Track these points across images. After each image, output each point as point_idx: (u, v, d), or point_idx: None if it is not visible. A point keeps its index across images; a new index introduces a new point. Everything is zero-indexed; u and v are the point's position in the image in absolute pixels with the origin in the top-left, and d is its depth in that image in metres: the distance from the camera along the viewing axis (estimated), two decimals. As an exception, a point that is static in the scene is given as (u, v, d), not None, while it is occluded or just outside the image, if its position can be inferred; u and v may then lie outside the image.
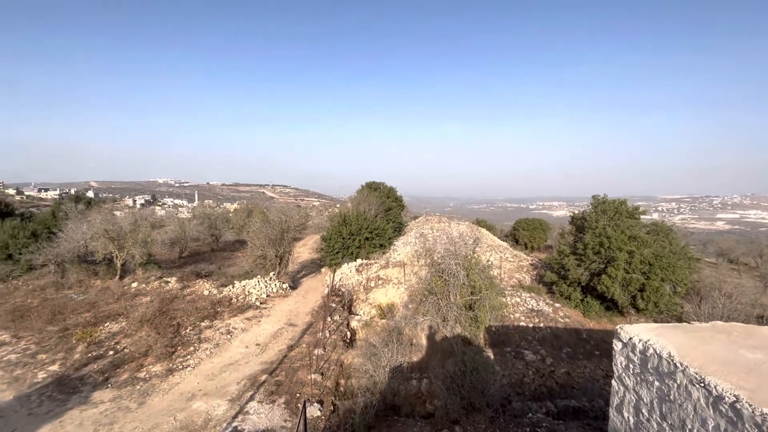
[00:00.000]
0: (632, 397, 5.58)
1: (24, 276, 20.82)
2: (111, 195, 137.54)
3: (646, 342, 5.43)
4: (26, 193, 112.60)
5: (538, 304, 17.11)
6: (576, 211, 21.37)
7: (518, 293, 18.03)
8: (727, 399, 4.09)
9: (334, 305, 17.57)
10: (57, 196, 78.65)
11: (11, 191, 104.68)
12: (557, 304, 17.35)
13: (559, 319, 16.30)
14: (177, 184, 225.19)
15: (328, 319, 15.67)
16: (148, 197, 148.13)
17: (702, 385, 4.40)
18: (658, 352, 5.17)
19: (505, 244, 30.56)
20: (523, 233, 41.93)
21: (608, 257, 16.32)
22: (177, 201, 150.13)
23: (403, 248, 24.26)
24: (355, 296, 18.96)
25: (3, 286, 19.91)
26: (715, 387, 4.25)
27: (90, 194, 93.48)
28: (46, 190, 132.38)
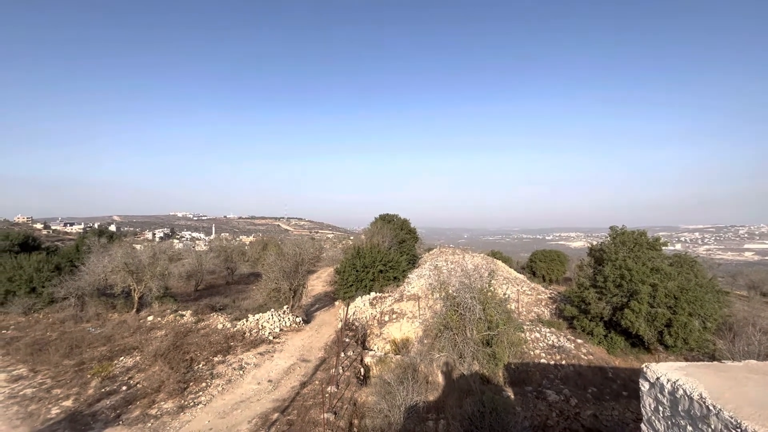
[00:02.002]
0: (664, 443, 5.23)
1: (45, 309, 21.28)
2: (132, 229, 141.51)
3: (675, 382, 5.15)
4: (52, 227, 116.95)
5: (559, 340, 16.45)
6: (594, 243, 20.95)
7: (537, 328, 17.41)
8: (767, 447, 3.81)
9: (347, 340, 17.27)
10: (81, 230, 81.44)
11: (39, 225, 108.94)
12: (579, 340, 16.65)
13: (582, 356, 15.58)
14: (195, 218, 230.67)
15: (342, 354, 15.37)
16: (167, 231, 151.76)
17: (739, 430, 4.12)
18: (688, 393, 4.89)
19: (521, 276, 29.89)
20: (540, 265, 41.01)
21: (630, 290, 15.77)
22: (195, 234, 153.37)
23: (417, 281, 23.98)
24: (368, 330, 18.62)
25: (25, 319, 20.36)
26: (753, 433, 3.97)
27: (112, 228, 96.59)
28: (72, 224, 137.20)
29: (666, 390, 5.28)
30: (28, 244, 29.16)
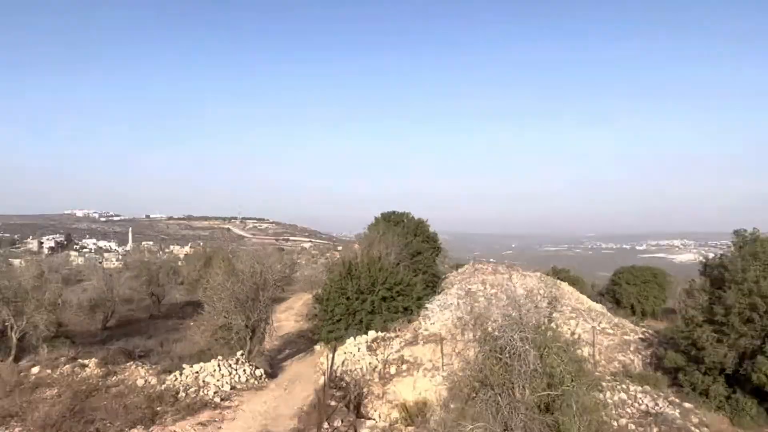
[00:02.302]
0: None
1: None
2: (8, 235, 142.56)
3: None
4: None
5: (657, 404, 16.41)
6: (710, 255, 20.87)
7: (623, 386, 17.38)
8: None
9: (333, 403, 17.30)
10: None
11: None
12: (687, 404, 16.60)
13: (692, 428, 15.53)
14: (103, 218, 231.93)
15: (326, 425, 15.40)
16: (60, 238, 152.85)
17: None
18: None
19: (599, 306, 29.85)
20: (627, 290, 40.95)
21: (766, 328, 15.69)
22: (102, 243, 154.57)
23: (439, 314, 24.02)
24: (366, 389, 18.66)
25: None
26: None
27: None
28: None
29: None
30: None
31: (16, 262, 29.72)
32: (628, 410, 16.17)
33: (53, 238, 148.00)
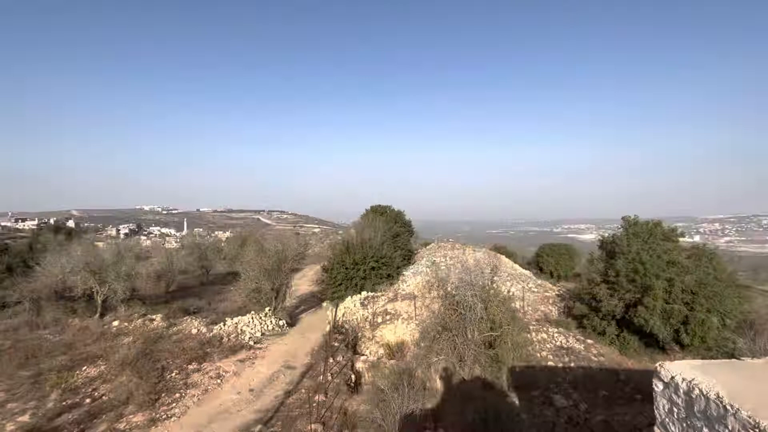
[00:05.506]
0: (679, 446, 5.39)
1: (-4, 315, 21.03)
2: (93, 224, 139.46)
3: (690, 382, 5.30)
4: (2, 223, 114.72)
5: (568, 341, 16.75)
6: (605, 234, 21.24)
7: (544, 328, 17.70)
8: (787, 447, 3.96)
9: (336, 344, 17.39)
10: (35, 227, 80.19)
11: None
12: (589, 341, 16.98)
13: (593, 357, 15.91)
14: (165, 212, 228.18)
15: (330, 360, 15.48)
16: (132, 226, 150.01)
17: (757, 430, 4.27)
18: (704, 393, 5.04)
19: (527, 272, 30.19)
20: (547, 260, 41.44)
21: (644, 285, 16.07)
22: (164, 230, 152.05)
23: (412, 279, 24.12)
24: (360, 333, 18.74)
25: (-27, 326, 20.11)
26: (772, 433, 4.11)
27: (71, 224, 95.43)
28: (24, 220, 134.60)
29: (681, 390, 5.43)
30: (-26, 242, 28.64)
31: (100, 244, 29.19)
32: (548, 345, 16.50)
33: (127, 227, 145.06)
